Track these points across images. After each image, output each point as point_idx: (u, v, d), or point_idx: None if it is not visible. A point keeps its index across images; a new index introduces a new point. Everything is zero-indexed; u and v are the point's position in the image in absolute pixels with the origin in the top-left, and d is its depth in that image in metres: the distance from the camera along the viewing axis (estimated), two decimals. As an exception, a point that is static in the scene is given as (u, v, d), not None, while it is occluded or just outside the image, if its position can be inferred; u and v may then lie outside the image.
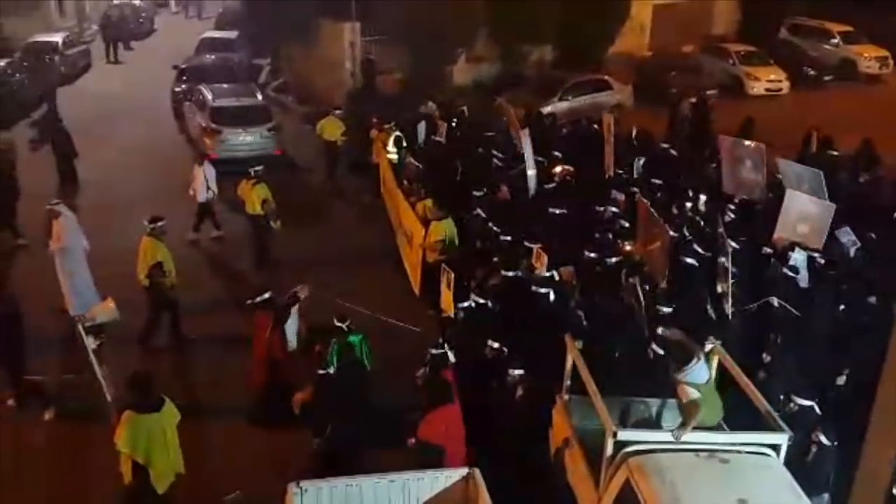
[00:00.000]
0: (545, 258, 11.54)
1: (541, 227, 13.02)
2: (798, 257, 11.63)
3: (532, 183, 15.02)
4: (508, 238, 12.76)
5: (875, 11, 27.81)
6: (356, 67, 25.91)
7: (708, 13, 31.94)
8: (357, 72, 25.90)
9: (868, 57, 29.17)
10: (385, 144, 17.38)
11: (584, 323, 10.36)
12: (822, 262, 11.90)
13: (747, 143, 14.90)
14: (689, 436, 7.46)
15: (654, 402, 8.84)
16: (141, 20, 40.14)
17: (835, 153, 16.18)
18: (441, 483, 7.64)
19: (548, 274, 11.39)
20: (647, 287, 10.87)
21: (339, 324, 9.98)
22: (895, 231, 13.17)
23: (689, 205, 13.92)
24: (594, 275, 11.68)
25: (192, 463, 8.80)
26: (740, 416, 8.16)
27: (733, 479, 7.06)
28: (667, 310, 10.38)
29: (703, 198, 14.08)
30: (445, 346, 9.35)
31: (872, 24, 28.83)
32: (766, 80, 27.26)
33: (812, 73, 28.69)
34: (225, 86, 22.44)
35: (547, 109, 22.25)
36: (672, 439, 7.40)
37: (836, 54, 29.45)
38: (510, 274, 11.40)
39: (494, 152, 16.90)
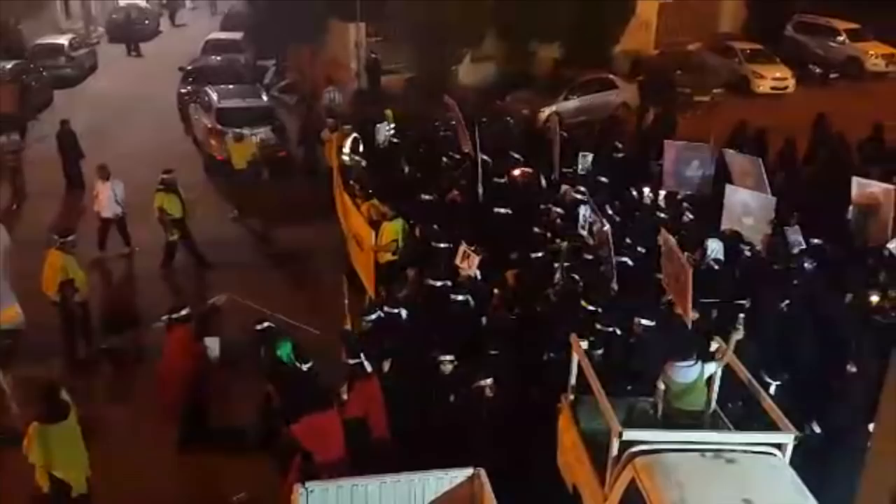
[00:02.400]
0: (475, 259, 11.25)
1: (485, 229, 12.78)
2: (714, 247, 11.67)
3: (479, 181, 14.73)
4: (447, 244, 12.13)
5: (882, 9, 27.66)
6: (361, 67, 25.97)
7: (714, 11, 31.86)
8: (362, 72, 25.96)
9: (874, 54, 29.03)
10: (339, 146, 16.90)
11: (513, 326, 10.21)
12: (749, 253, 11.99)
13: (695, 144, 15.28)
14: (696, 435, 7.51)
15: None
16: (146, 21, 40.24)
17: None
18: (446, 483, 7.66)
19: (471, 273, 11.11)
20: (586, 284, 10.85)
21: (262, 326, 9.90)
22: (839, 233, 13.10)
23: (648, 199, 14.09)
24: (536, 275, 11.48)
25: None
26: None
27: (739, 478, 7.05)
28: (592, 308, 10.16)
29: (662, 193, 14.38)
30: (361, 356, 9.04)
31: (879, 22, 28.69)
32: (772, 78, 27.21)
33: (818, 70, 28.62)
34: (230, 87, 22.50)
35: (552, 108, 22.32)
36: (677, 440, 7.41)
37: (842, 52, 29.32)
38: (437, 283, 10.99)
39: (451, 153, 16.44)
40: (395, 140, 17.85)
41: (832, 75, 28.57)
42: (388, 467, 7.81)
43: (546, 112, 22.19)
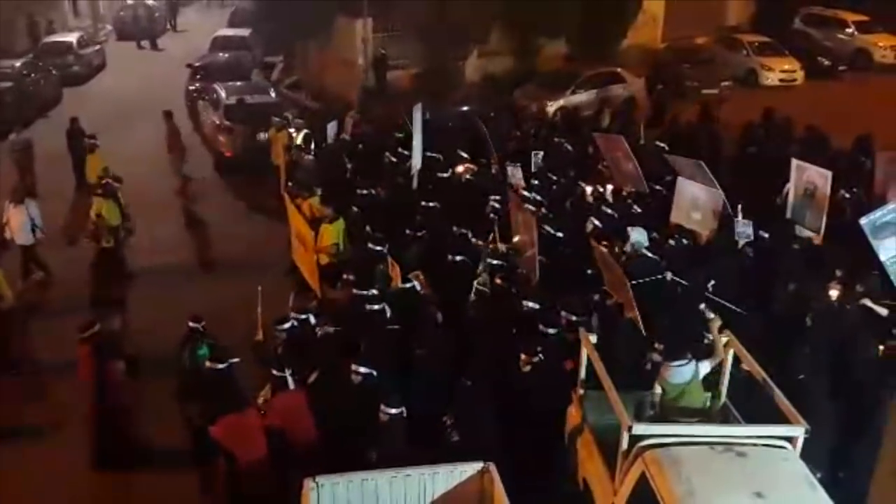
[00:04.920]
0: (397, 269, 11.06)
1: (414, 227, 12.59)
2: (637, 237, 11.57)
3: (415, 176, 14.76)
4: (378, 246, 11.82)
5: (891, 0, 27.53)
6: (368, 64, 25.96)
7: (721, 4, 31.74)
8: (369, 68, 25.95)
9: (883, 46, 28.86)
10: (287, 145, 16.81)
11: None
12: (673, 243, 11.91)
13: (609, 135, 15.59)
14: (706, 429, 7.49)
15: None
16: (155, 17, 40.23)
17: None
18: (456, 477, 7.66)
19: (408, 286, 10.73)
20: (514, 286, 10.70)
21: (194, 325, 9.77)
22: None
23: (591, 197, 14.06)
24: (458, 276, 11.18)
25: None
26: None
27: (749, 472, 7.03)
28: (533, 305, 10.05)
29: (609, 187, 14.35)
30: (286, 371, 8.82)
31: (888, 14, 28.54)
32: (781, 70, 27.09)
33: (826, 63, 28.52)
34: (238, 83, 22.55)
35: (560, 103, 22.31)
36: (687, 433, 7.40)
37: (850, 44, 29.17)
38: (362, 292, 10.43)
39: (400, 150, 16.27)
40: (345, 137, 17.82)
41: (841, 67, 28.41)
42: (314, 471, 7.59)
43: (553, 106, 22.18)
